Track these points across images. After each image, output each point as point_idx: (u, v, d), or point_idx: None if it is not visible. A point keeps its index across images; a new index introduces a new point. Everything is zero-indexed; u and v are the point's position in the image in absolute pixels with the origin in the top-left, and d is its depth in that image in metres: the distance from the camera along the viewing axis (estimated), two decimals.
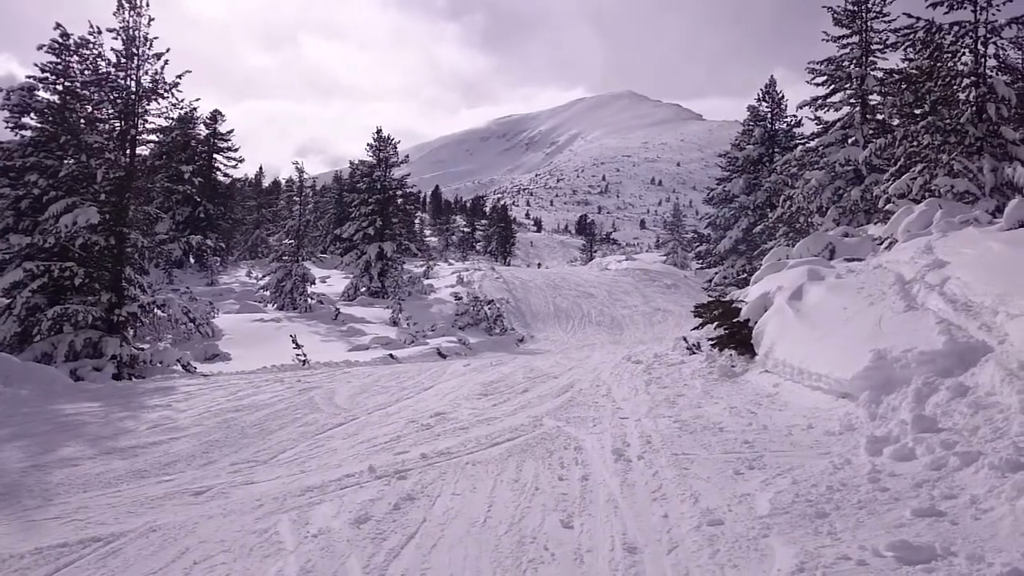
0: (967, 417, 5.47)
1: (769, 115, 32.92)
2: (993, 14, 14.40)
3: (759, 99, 33.08)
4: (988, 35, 14.58)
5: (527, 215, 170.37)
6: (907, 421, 5.63)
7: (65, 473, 6.26)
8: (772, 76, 33.64)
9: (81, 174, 14.32)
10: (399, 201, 32.49)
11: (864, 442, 5.50)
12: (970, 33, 14.61)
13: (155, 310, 16.24)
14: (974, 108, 14.38)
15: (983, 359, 6.17)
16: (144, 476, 6.16)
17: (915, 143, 15.40)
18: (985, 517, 3.97)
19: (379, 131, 32.16)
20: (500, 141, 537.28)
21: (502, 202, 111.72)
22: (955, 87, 14.82)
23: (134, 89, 15.09)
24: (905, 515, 4.12)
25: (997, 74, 14.82)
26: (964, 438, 5.14)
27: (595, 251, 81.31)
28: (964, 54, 14.87)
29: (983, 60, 14.69)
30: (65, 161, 14.33)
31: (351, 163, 35.65)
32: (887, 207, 15.74)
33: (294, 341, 15.78)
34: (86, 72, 15.13)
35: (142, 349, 14.55)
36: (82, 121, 14.94)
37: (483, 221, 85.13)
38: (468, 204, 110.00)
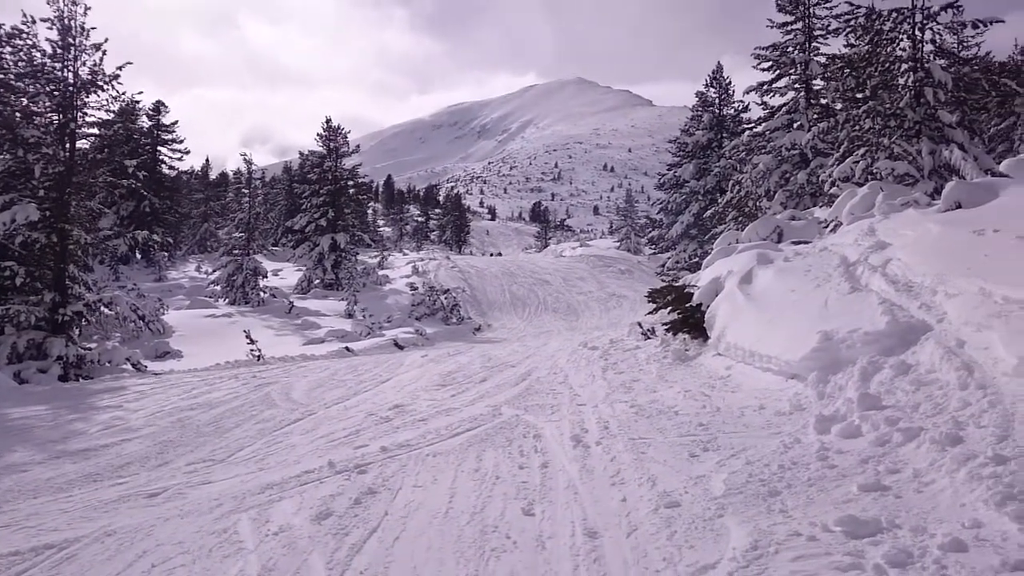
0: (909, 394, 5.69)
1: (717, 101, 33.39)
2: (929, 1, 14.82)
3: (707, 85, 33.53)
4: (925, 21, 14.99)
5: (481, 203, 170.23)
6: (853, 400, 5.83)
7: (13, 479, 6.10)
8: (719, 62, 34.12)
9: (18, 170, 13.83)
10: (351, 191, 32.12)
11: (813, 421, 5.69)
12: (908, 19, 15.02)
13: (101, 308, 15.82)
14: (912, 92, 14.82)
15: (923, 338, 6.41)
16: (97, 479, 6.04)
17: (857, 127, 15.81)
18: (927, 490, 4.15)
19: (328, 121, 31.70)
20: (452, 129, 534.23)
21: (455, 191, 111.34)
22: (894, 72, 15.26)
23: (72, 81, 14.61)
24: (852, 490, 4.28)
25: (934, 59, 15.27)
26: (907, 414, 5.35)
27: (550, 238, 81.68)
28: (902, 40, 15.28)
29: (921, 45, 15.11)
30: (0, 156, 13.80)
31: (301, 153, 35.11)
32: (832, 190, 16.14)
33: (248, 336, 15.54)
34: (20, 63, 14.56)
35: (89, 349, 14.16)
36: (17, 114, 14.39)
37: (437, 210, 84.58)
38: (421, 193, 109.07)
